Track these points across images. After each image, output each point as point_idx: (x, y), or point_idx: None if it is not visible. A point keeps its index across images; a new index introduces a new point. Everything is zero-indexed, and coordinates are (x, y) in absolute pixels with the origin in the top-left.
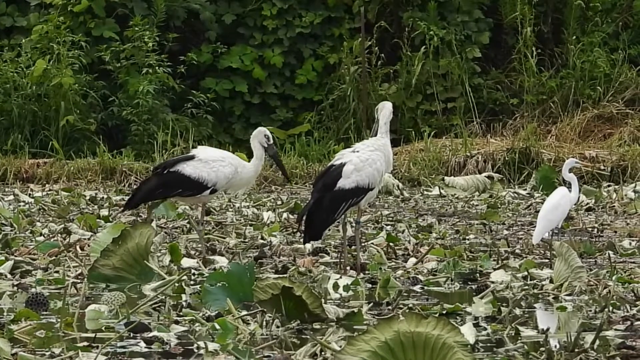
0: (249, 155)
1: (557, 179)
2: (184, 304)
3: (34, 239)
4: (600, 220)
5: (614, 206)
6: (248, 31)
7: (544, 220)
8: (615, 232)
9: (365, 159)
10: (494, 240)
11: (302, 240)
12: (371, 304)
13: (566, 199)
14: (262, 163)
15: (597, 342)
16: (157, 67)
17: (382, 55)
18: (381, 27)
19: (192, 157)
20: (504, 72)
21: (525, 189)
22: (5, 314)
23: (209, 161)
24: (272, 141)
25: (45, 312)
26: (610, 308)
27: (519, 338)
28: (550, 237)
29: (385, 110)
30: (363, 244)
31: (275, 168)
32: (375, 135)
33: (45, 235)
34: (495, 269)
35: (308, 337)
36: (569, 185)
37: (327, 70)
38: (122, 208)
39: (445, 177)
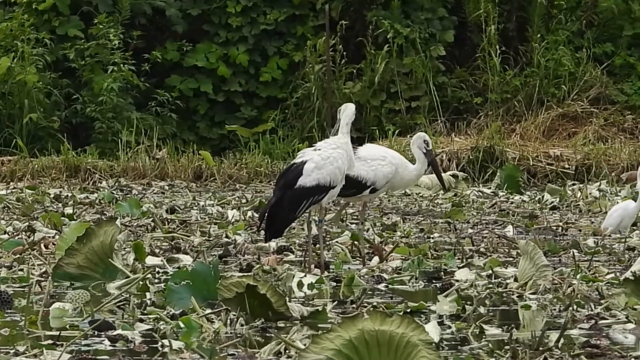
0: (213, 155)
1: (521, 177)
2: (148, 302)
3: None
4: (565, 218)
5: (578, 205)
6: (213, 29)
7: (604, 223)
8: (580, 230)
9: (327, 157)
10: (458, 239)
11: (264, 238)
12: (335, 302)
13: (622, 211)
14: (425, 167)
15: (562, 340)
16: (121, 65)
17: (346, 53)
18: (345, 26)
19: None
20: (468, 71)
21: (490, 188)
22: None
23: (368, 160)
24: (431, 147)
25: (9, 311)
26: (575, 307)
27: (484, 336)
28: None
29: (347, 111)
30: (327, 243)
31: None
32: (337, 134)
33: (10, 233)
34: (459, 268)
35: (272, 335)
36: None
37: (292, 68)
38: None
39: None
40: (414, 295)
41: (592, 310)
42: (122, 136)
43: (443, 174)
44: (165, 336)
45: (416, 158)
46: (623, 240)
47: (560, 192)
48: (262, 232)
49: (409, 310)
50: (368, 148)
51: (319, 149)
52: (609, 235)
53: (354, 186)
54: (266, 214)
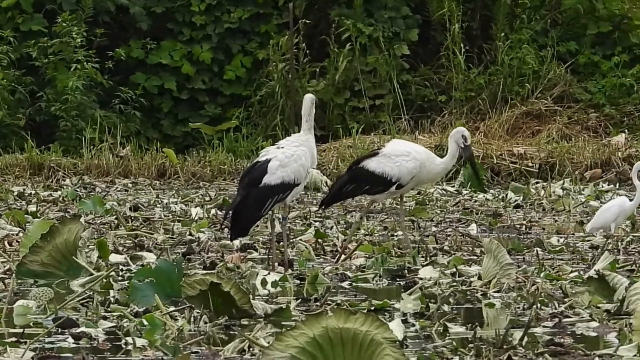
0: (177, 152)
1: (484, 175)
2: (112, 299)
3: None
4: (529, 217)
5: (542, 203)
6: (177, 27)
7: (596, 218)
8: (544, 229)
9: (290, 155)
10: (422, 237)
11: (229, 237)
12: (299, 300)
13: (617, 207)
14: (454, 162)
15: (526, 338)
16: (85, 63)
17: (310, 52)
18: (309, 24)
19: (377, 153)
20: (432, 69)
21: (453, 186)
22: None
23: (392, 156)
24: (469, 142)
25: None
26: (539, 305)
27: (448, 334)
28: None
29: (305, 102)
30: (291, 240)
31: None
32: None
33: None
34: (423, 266)
35: (236, 333)
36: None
37: (255, 66)
38: (319, 204)
39: None
40: (378, 293)
41: (555, 308)
42: (86, 134)
43: None
44: (129, 334)
45: (449, 151)
46: (612, 237)
47: (523, 190)
48: (227, 231)
49: (373, 308)
50: (393, 144)
51: (283, 147)
52: (598, 233)
53: (380, 183)
54: (231, 213)
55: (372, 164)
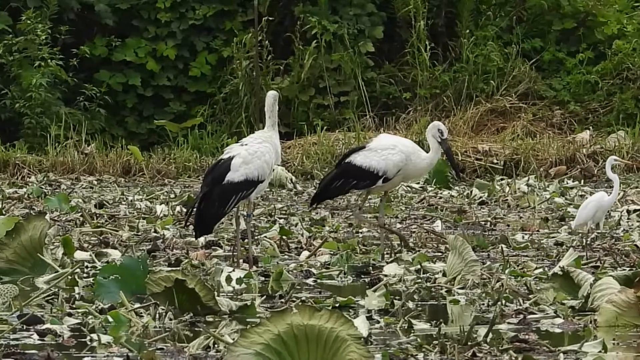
0: (142, 149)
1: (449, 172)
2: (77, 296)
3: None
4: (494, 214)
5: (507, 200)
6: (142, 24)
7: (577, 216)
8: (508, 225)
9: (254, 152)
10: (387, 234)
11: (194, 234)
12: (264, 296)
13: (596, 203)
14: (438, 156)
15: (490, 335)
16: (49, 60)
17: (275, 49)
18: (274, 21)
19: (364, 147)
20: (397, 66)
21: (418, 183)
22: None
23: (378, 150)
24: (445, 136)
25: None
26: (503, 301)
27: (412, 331)
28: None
29: (267, 99)
30: (256, 237)
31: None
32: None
33: None
34: (388, 262)
35: (201, 329)
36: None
37: (220, 64)
38: (309, 203)
39: None
40: (343, 290)
41: (520, 305)
42: (51, 131)
43: None
44: (94, 330)
45: (430, 146)
46: (593, 233)
47: (488, 187)
48: (192, 228)
49: (337, 304)
50: (380, 138)
51: (246, 144)
52: (583, 229)
53: (367, 177)
54: (195, 211)
55: (358, 159)
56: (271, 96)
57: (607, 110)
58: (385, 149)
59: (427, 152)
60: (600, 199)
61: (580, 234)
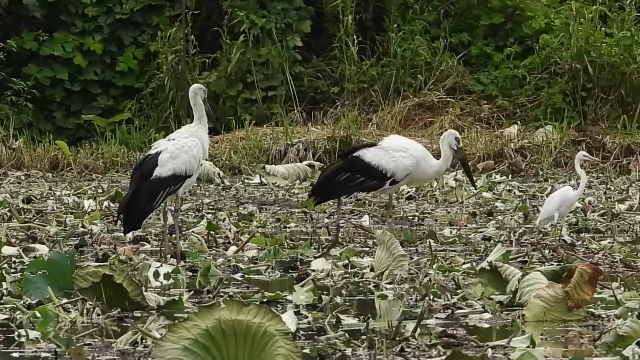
0: (69, 144)
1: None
2: (4, 292)
3: None
4: (421, 208)
5: (434, 195)
6: (69, 18)
7: (542, 210)
8: (436, 220)
9: (181, 147)
10: (314, 229)
11: (122, 230)
12: (192, 292)
13: (561, 197)
14: (447, 165)
15: (418, 330)
16: None
17: (203, 43)
18: (202, 15)
19: (375, 144)
20: (325, 61)
21: None
22: None
23: (390, 150)
24: (461, 144)
25: None
26: (431, 296)
27: (340, 326)
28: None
29: (190, 94)
30: (183, 232)
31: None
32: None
33: None
34: (316, 257)
35: (129, 325)
36: (577, 180)
37: (148, 58)
38: (309, 194)
39: (266, 166)
40: (271, 285)
41: (448, 300)
42: None
43: (299, 164)
44: (22, 326)
45: (442, 154)
46: (557, 228)
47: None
48: (120, 224)
49: (265, 300)
50: (392, 139)
51: (173, 139)
52: (548, 224)
53: (375, 176)
54: (124, 207)
55: (368, 155)
56: (192, 90)
57: (534, 104)
58: (397, 151)
59: (437, 159)
60: (564, 193)
61: (507, 229)
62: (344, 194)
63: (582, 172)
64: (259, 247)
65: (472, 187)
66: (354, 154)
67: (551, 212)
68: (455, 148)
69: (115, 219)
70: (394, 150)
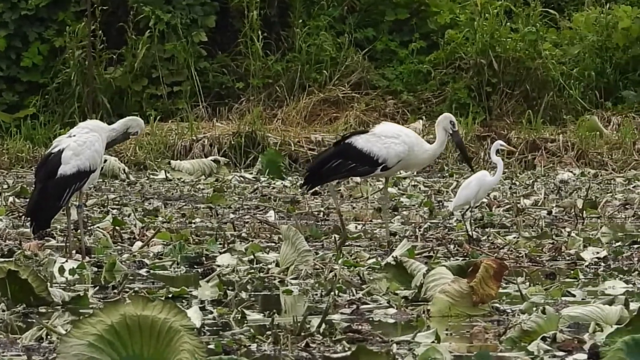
0: None
1: (282, 162)
2: None
3: None
4: (327, 204)
5: (339, 190)
6: None
7: (458, 195)
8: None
9: (83, 142)
10: (220, 224)
11: (31, 230)
12: (97, 287)
13: (478, 181)
14: (442, 149)
15: (323, 325)
16: None
17: (108, 39)
18: (107, 11)
19: (367, 131)
20: (230, 56)
21: (252, 173)
22: None
23: (381, 136)
24: (457, 128)
25: None
26: (336, 292)
27: (245, 322)
28: (463, 213)
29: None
30: (88, 228)
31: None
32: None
33: None
34: (221, 253)
35: (34, 321)
36: (493, 167)
37: (53, 54)
38: (303, 182)
39: (172, 161)
40: (176, 280)
41: (353, 295)
42: None
43: (204, 159)
44: None
45: (437, 138)
46: (470, 213)
47: None
48: (29, 225)
49: (170, 295)
50: (384, 125)
51: (74, 135)
52: (464, 209)
53: (366, 162)
54: (31, 207)
55: (360, 141)
56: None
57: (439, 99)
58: (389, 137)
59: (431, 144)
60: (482, 177)
61: (413, 224)
62: (336, 179)
63: (499, 159)
64: (165, 243)
65: (471, 170)
66: (346, 141)
67: (469, 196)
68: (451, 132)
69: (20, 215)
70: (386, 137)
